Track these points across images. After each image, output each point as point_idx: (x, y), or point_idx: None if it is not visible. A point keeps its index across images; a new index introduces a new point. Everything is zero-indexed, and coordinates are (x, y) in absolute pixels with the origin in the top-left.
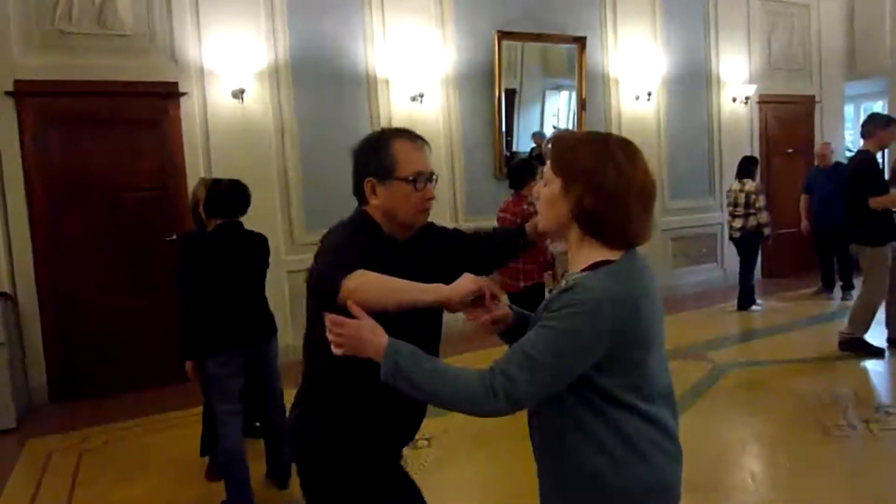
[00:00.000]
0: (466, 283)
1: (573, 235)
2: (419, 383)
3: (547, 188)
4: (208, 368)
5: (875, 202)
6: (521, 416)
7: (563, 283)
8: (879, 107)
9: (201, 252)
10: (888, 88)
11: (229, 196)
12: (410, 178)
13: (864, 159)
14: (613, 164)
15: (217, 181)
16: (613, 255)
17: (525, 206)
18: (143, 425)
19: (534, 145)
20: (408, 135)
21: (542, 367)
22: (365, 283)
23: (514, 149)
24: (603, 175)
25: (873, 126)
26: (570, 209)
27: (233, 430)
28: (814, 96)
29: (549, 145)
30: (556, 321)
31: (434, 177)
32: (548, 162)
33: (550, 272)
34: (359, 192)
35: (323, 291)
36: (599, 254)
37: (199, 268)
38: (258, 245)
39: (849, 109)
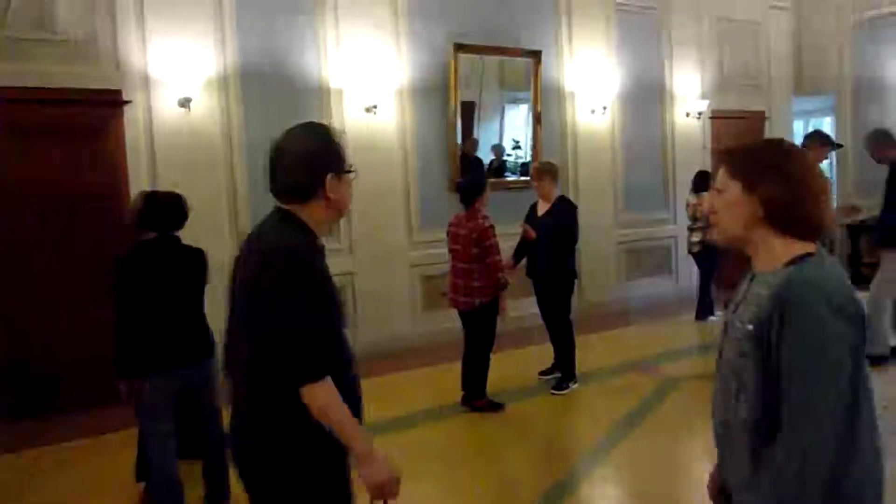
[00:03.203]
0: (386, 471)
1: (760, 234)
2: None
3: (724, 195)
4: (142, 389)
5: None
6: (477, 433)
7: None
8: (827, 122)
9: (132, 268)
10: (835, 105)
11: (163, 210)
12: (353, 168)
13: None
14: (791, 157)
15: (152, 194)
16: (809, 248)
17: (480, 221)
18: (83, 447)
19: (493, 157)
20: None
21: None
22: (329, 405)
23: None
24: (788, 166)
25: (810, 142)
26: (757, 206)
27: (166, 453)
28: (764, 112)
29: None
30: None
31: None
32: (720, 172)
33: (499, 296)
34: (306, 188)
35: (284, 372)
36: (797, 247)
37: (129, 285)
38: (195, 260)
39: (798, 125)
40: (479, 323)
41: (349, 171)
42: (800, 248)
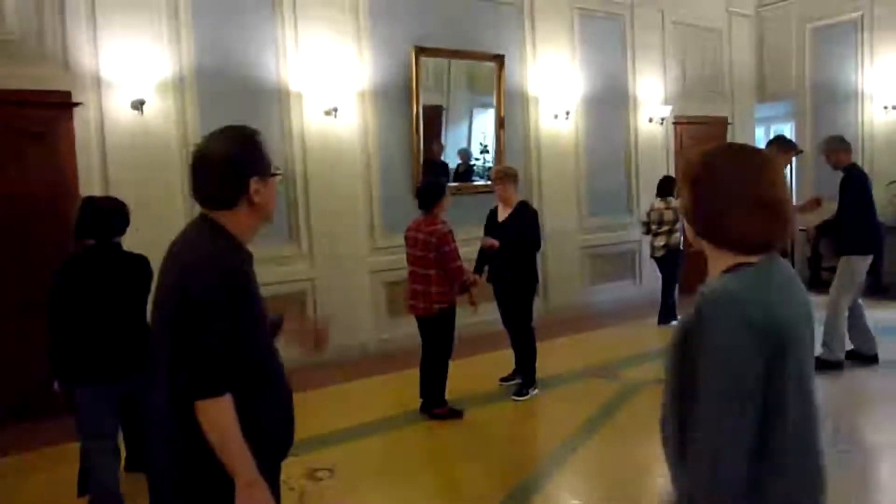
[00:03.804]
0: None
1: (704, 244)
2: None
3: (683, 203)
4: (76, 399)
5: None
6: (434, 441)
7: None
8: (788, 128)
9: (66, 275)
10: (795, 111)
11: (101, 216)
12: (278, 171)
13: None
14: (713, 169)
15: (90, 199)
16: (747, 258)
17: (439, 226)
18: (23, 460)
19: (459, 161)
20: (258, 131)
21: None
22: (221, 423)
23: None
24: (710, 178)
25: (779, 147)
26: (702, 219)
27: (105, 468)
28: (726, 118)
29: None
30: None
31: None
32: None
33: (467, 294)
34: (228, 194)
35: (183, 386)
36: (732, 257)
37: (62, 291)
38: (136, 268)
39: (760, 131)
40: (437, 329)
41: (274, 174)
42: (736, 258)
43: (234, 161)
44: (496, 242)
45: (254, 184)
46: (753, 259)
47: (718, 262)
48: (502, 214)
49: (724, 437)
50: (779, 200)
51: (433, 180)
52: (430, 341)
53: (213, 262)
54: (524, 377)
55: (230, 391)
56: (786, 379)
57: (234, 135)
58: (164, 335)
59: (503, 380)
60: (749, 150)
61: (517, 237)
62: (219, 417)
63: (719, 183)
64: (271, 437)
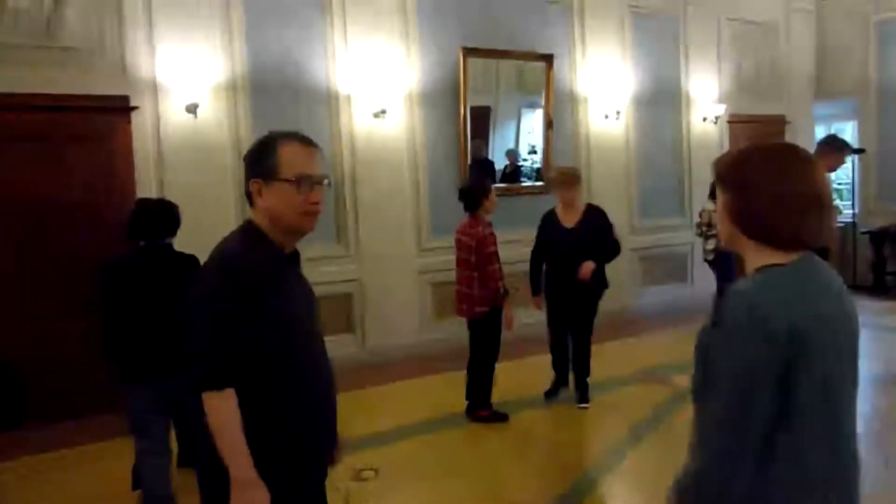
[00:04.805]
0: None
1: (741, 243)
2: None
3: (718, 204)
4: (128, 399)
5: None
6: (477, 445)
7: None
8: (850, 127)
9: (117, 277)
10: (857, 109)
11: (152, 217)
12: (293, 178)
13: None
14: (754, 166)
15: (141, 201)
16: (781, 258)
17: (480, 229)
18: (78, 454)
19: (507, 162)
20: (298, 138)
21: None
22: (219, 417)
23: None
24: (751, 175)
25: (829, 147)
26: (731, 216)
27: (155, 469)
28: (784, 116)
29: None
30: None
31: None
32: None
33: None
34: (247, 195)
35: (189, 371)
36: (765, 257)
37: (114, 294)
38: (186, 268)
39: (819, 130)
40: (480, 332)
41: (288, 181)
42: (770, 257)
43: (245, 161)
44: (590, 268)
45: (255, 185)
46: (788, 259)
47: (752, 260)
48: (569, 219)
49: (727, 441)
50: (815, 196)
51: (476, 180)
52: (475, 344)
53: (223, 261)
54: (585, 382)
55: (238, 388)
56: (804, 390)
57: (262, 137)
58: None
59: (549, 395)
60: (784, 147)
61: (596, 242)
62: (216, 411)
63: (757, 181)
64: (294, 440)
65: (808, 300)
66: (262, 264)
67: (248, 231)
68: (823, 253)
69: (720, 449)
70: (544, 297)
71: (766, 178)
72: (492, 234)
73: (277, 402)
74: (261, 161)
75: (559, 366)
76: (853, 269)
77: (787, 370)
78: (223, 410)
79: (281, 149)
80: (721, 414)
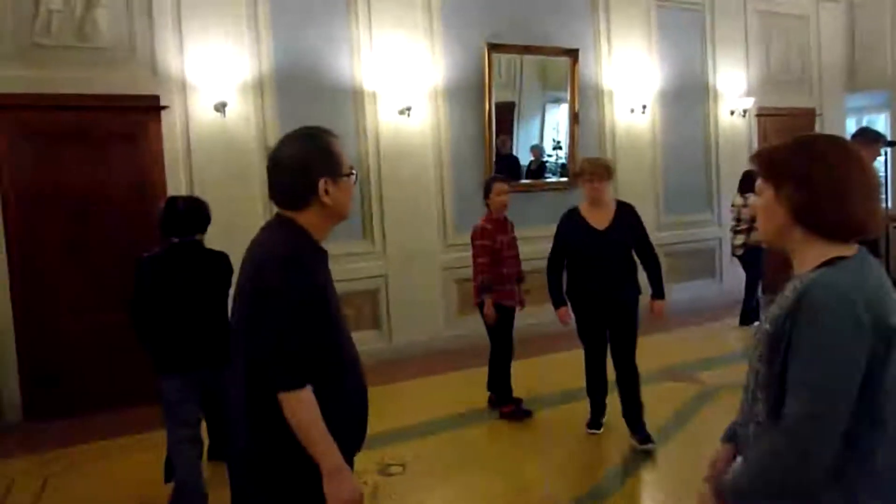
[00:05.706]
0: (350, 489)
1: (794, 237)
2: None
3: (761, 198)
4: (161, 390)
5: None
6: (499, 441)
7: (794, 286)
8: (882, 120)
9: (149, 272)
10: (890, 101)
11: (182, 214)
12: (352, 172)
13: None
14: (812, 156)
15: (173, 198)
16: (843, 251)
17: (480, 222)
18: (113, 447)
19: (532, 158)
20: (331, 132)
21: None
22: (304, 415)
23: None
24: (809, 166)
25: (863, 139)
26: (786, 209)
27: (186, 458)
28: (814, 109)
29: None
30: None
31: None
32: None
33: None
34: (300, 195)
35: (263, 375)
36: (828, 250)
37: (145, 289)
38: (217, 264)
39: (850, 122)
40: (490, 326)
41: (347, 175)
42: (833, 250)
43: (303, 162)
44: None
45: (322, 184)
46: (846, 251)
47: (809, 255)
48: (598, 219)
49: (816, 433)
50: (875, 185)
51: (494, 176)
52: (490, 338)
53: (286, 259)
54: (641, 418)
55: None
56: (886, 382)
57: (305, 136)
58: (242, 329)
59: (591, 427)
60: (837, 137)
61: (631, 245)
62: (299, 410)
63: (816, 171)
64: (340, 432)
65: (881, 293)
66: (319, 260)
67: (291, 228)
68: (872, 245)
69: (810, 444)
70: (570, 310)
71: (831, 168)
72: (484, 227)
73: (330, 396)
74: (325, 159)
75: (596, 390)
76: (886, 261)
77: (871, 365)
78: (305, 409)
79: (335, 145)
80: (811, 409)
